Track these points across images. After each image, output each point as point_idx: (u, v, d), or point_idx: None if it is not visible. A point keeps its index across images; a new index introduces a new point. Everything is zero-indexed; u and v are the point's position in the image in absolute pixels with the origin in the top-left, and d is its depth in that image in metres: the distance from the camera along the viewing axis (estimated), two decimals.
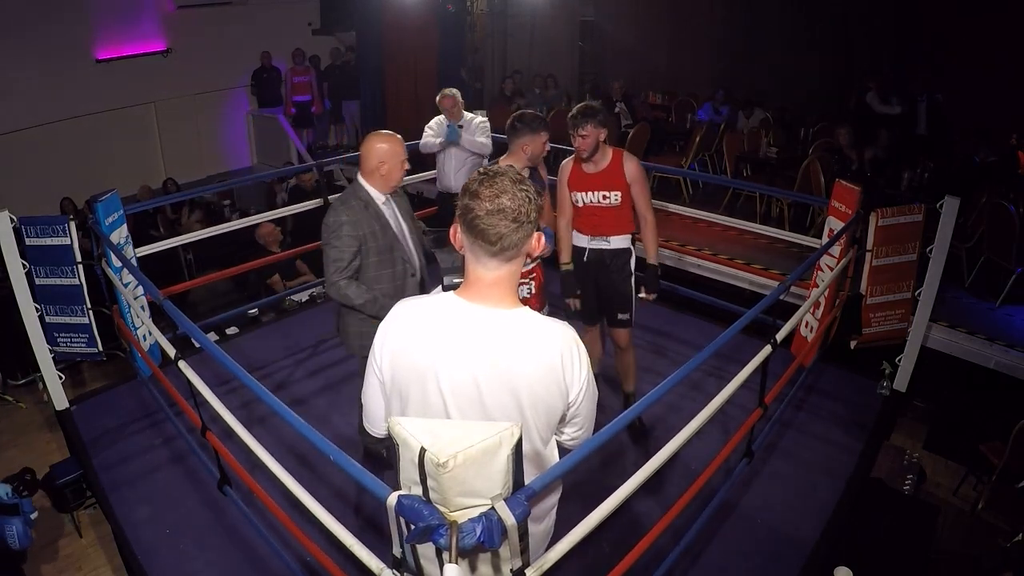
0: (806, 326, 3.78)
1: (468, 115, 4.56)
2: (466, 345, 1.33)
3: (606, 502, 1.70)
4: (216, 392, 2.34)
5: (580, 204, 3.05)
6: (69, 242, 3.30)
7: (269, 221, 4.96)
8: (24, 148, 7.51)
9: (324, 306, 4.70)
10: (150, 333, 3.29)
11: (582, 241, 3.12)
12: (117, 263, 3.36)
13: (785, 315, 2.94)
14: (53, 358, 3.40)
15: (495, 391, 1.33)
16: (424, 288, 2.64)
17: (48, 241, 3.30)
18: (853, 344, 3.60)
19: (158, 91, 8.55)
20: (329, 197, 4.46)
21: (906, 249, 3.49)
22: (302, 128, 9.30)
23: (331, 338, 4.12)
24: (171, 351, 2.59)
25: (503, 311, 1.35)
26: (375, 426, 1.55)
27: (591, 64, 10.76)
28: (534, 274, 3.16)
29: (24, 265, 3.22)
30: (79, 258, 3.35)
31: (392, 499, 1.25)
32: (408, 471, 1.22)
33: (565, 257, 3.19)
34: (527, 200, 1.31)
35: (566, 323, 1.40)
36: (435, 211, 4.76)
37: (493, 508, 1.18)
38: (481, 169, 1.36)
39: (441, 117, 4.59)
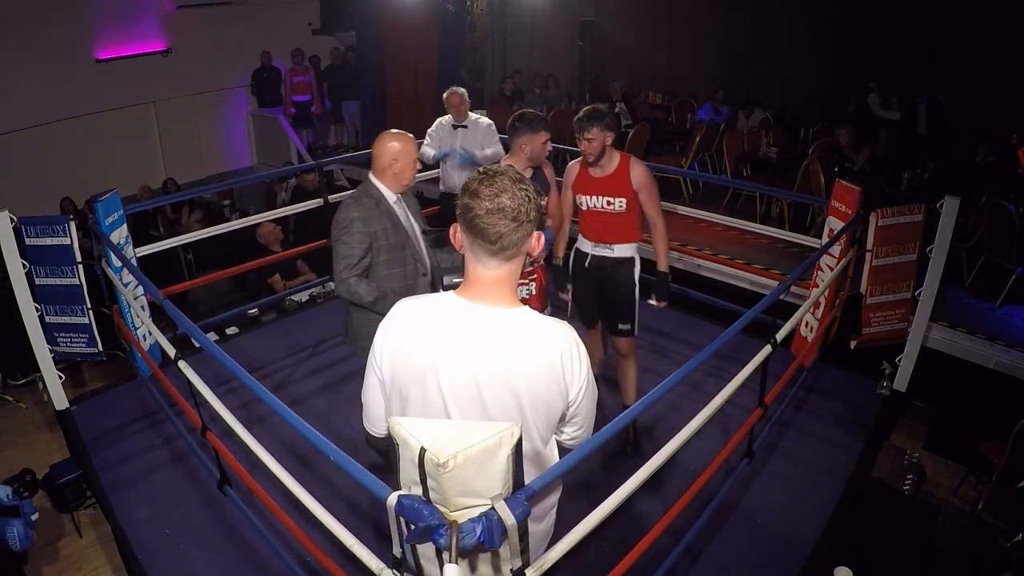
0: (806, 326, 3.78)
1: (473, 115, 4.47)
2: (466, 344, 1.33)
3: (606, 502, 1.70)
4: (216, 392, 2.34)
5: (584, 207, 3.01)
6: (69, 242, 3.30)
7: (269, 220, 4.95)
8: (24, 148, 7.51)
9: (324, 306, 4.70)
10: (150, 333, 3.29)
11: (585, 247, 3.07)
12: (117, 263, 3.36)
13: (785, 315, 2.94)
14: (53, 358, 3.40)
15: (495, 390, 1.33)
16: (435, 288, 2.62)
17: (48, 241, 3.30)
18: (853, 344, 3.60)
19: (158, 91, 8.55)
20: (329, 197, 4.47)
21: (906, 249, 3.49)
22: (302, 128, 9.30)
23: (331, 337, 4.13)
24: (171, 351, 2.59)
25: (503, 310, 1.35)
26: (375, 426, 1.55)
27: (591, 64, 10.76)
28: (534, 275, 3.16)
29: (24, 265, 3.22)
30: (79, 258, 3.35)
31: (392, 499, 1.25)
32: (408, 471, 1.22)
33: (559, 252, 3.20)
34: (527, 199, 1.31)
35: (566, 323, 1.40)
36: (437, 210, 4.73)
37: (493, 508, 1.18)
38: (481, 168, 1.36)
39: (445, 119, 4.49)
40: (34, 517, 3.22)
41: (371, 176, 2.50)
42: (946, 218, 3.22)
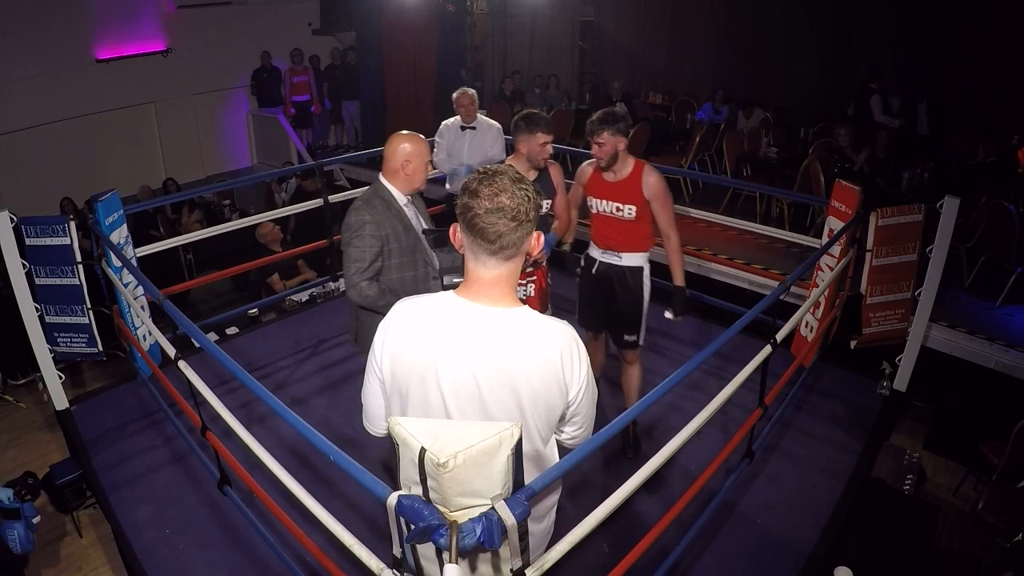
0: (806, 326, 3.78)
1: (483, 118, 4.38)
2: (466, 343, 1.33)
3: (606, 502, 1.70)
4: (216, 392, 2.34)
5: (594, 211, 2.94)
6: (69, 242, 3.30)
7: (269, 220, 4.95)
8: (24, 148, 7.52)
9: (324, 306, 4.70)
10: (150, 333, 3.29)
11: (594, 252, 3.01)
12: (117, 263, 3.36)
13: (785, 315, 2.93)
14: (53, 358, 3.40)
15: (495, 389, 1.33)
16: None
17: (48, 241, 3.30)
18: (853, 344, 3.60)
19: (158, 91, 8.55)
20: (330, 197, 4.46)
21: (906, 249, 3.49)
22: (302, 128, 9.30)
23: (331, 337, 4.13)
24: (171, 351, 2.59)
25: (503, 310, 1.35)
26: (375, 425, 1.55)
27: (591, 64, 10.77)
28: (534, 277, 3.16)
29: (24, 265, 3.22)
30: (79, 258, 3.35)
31: (392, 499, 1.25)
32: (408, 471, 1.22)
33: (568, 238, 3.17)
34: (526, 199, 1.31)
35: (566, 322, 1.40)
36: (441, 209, 4.71)
37: (493, 508, 1.18)
38: (481, 168, 1.36)
39: (452, 121, 4.40)
40: (35, 520, 3.21)
41: (381, 178, 2.43)
42: (946, 218, 3.22)
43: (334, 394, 3.62)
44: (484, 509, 1.18)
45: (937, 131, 7.09)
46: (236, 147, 9.66)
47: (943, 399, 4.44)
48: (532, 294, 3.14)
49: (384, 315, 1.81)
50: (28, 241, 3.30)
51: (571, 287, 3.22)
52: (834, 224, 3.60)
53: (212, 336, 4.08)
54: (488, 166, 1.37)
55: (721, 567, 2.58)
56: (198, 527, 2.75)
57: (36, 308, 3.29)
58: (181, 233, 6.06)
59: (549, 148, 3.00)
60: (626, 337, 2.98)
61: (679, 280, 2.92)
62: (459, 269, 1.42)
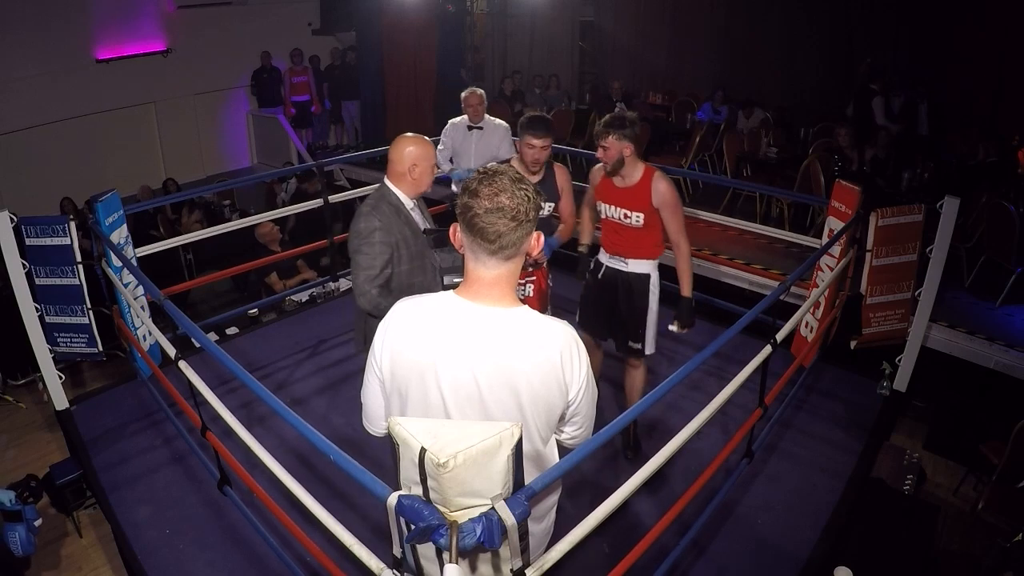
0: (806, 326, 3.78)
1: (490, 118, 4.32)
2: (466, 343, 1.33)
3: (606, 502, 1.70)
4: (216, 392, 2.34)
5: (603, 216, 2.90)
6: (69, 242, 3.30)
7: (268, 220, 4.95)
8: (24, 148, 7.52)
9: (324, 306, 4.70)
10: (150, 333, 3.29)
11: (602, 257, 2.98)
12: (117, 263, 3.36)
13: (785, 315, 2.94)
14: (53, 358, 3.40)
15: (495, 389, 1.33)
16: None
17: (48, 241, 3.30)
18: (853, 344, 3.60)
19: (158, 91, 8.55)
20: (330, 197, 4.46)
21: (906, 249, 3.48)
22: (302, 128, 9.30)
23: (331, 337, 4.13)
24: (171, 351, 2.59)
25: (503, 309, 1.35)
26: (374, 425, 1.55)
27: (591, 64, 10.77)
28: (533, 277, 3.15)
29: (24, 265, 3.22)
30: (79, 258, 3.35)
31: (392, 499, 1.25)
32: (408, 471, 1.22)
33: (584, 239, 3.12)
34: (526, 199, 1.31)
35: (566, 322, 1.40)
36: (443, 208, 4.68)
37: (493, 508, 1.18)
38: (480, 168, 1.37)
39: (459, 120, 4.35)
40: (37, 523, 3.21)
41: (387, 182, 2.37)
42: (946, 218, 3.22)
43: (334, 394, 3.62)
44: (484, 509, 1.18)
45: (937, 131, 7.08)
46: (236, 147, 9.66)
47: (943, 399, 4.44)
48: (531, 295, 3.14)
49: None
50: (28, 241, 3.30)
51: (572, 288, 3.21)
52: (834, 224, 3.60)
53: (212, 336, 4.08)
54: (488, 166, 1.37)
55: (721, 567, 2.58)
56: (198, 527, 2.75)
57: (36, 308, 3.29)
58: (181, 233, 6.06)
59: (539, 152, 2.93)
60: (630, 344, 2.95)
61: (686, 291, 2.86)
62: (459, 269, 1.43)
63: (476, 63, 9.80)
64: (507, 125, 4.37)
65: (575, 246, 3.23)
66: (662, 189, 2.71)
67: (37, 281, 3.34)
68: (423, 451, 1.14)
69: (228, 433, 2.31)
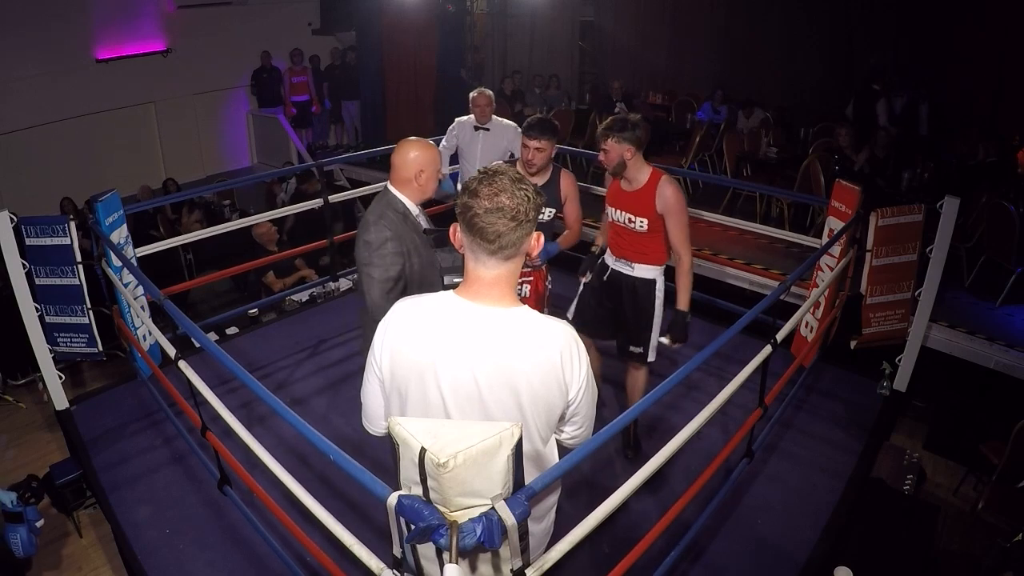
0: (806, 326, 3.78)
1: (498, 119, 4.29)
2: (466, 343, 1.33)
3: (606, 502, 1.70)
4: (216, 392, 2.34)
5: (609, 219, 2.88)
6: (69, 242, 3.30)
7: (267, 221, 4.95)
8: (24, 148, 7.52)
9: (324, 306, 4.70)
10: (150, 333, 3.29)
11: (608, 259, 2.94)
12: (117, 263, 3.36)
13: (785, 315, 2.93)
14: (53, 358, 3.40)
15: (495, 388, 1.33)
16: None
17: (48, 241, 3.30)
18: (853, 344, 3.60)
19: (158, 91, 8.55)
20: (329, 197, 4.46)
21: (906, 249, 3.48)
22: (302, 128, 9.30)
23: (331, 337, 4.13)
24: (171, 351, 2.59)
25: (502, 309, 1.35)
26: (374, 425, 1.55)
27: (591, 64, 10.76)
28: (531, 278, 3.15)
29: (24, 265, 3.22)
30: (79, 258, 3.35)
31: (392, 499, 1.25)
32: (408, 471, 1.22)
33: (599, 240, 3.07)
34: (526, 199, 1.31)
35: (566, 322, 1.40)
36: (441, 209, 4.67)
37: (493, 508, 1.18)
38: (481, 168, 1.37)
39: (466, 119, 4.32)
40: (39, 524, 3.21)
41: (392, 188, 2.27)
42: (946, 218, 3.22)
43: (334, 394, 3.62)
44: (484, 509, 1.18)
45: (937, 131, 7.08)
46: (236, 147, 9.66)
47: (943, 399, 4.44)
48: (527, 295, 3.13)
49: None
50: (28, 241, 3.30)
51: (573, 288, 3.21)
52: (834, 224, 3.60)
53: (212, 336, 4.08)
54: (488, 166, 1.37)
55: (721, 567, 2.58)
56: (198, 527, 2.75)
57: (36, 308, 3.29)
58: (181, 233, 6.06)
59: (534, 153, 2.91)
60: (632, 349, 2.92)
61: (683, 304, 2.77)
62: (459, 269, 1.43)
63: (476, 63, 9.81)
64: (516, 126, 4.30)
65: (585, 248, 3.20)
66: (667, 194, 2.65)
67: (37, 281, 3.34)
68: (423, 451, 1.14)
69: (228, 433, 2.30)
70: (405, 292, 2.25)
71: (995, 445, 3.59)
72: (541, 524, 1.57)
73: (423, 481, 1.18)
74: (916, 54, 7.49)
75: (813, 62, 8.24)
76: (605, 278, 2.95)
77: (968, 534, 3.63)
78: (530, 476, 1.36)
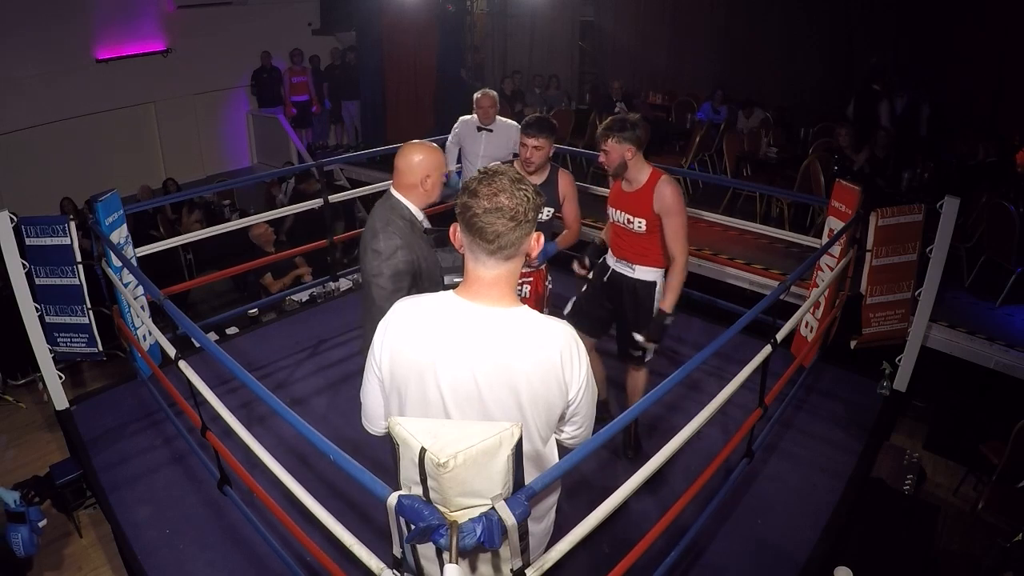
0: (806, 326, 3.78)
1: (501, 120, 4.27)
2: (465, 342, 1.33)
3: (606, 502, 1.70)
4: (216, 392, 2.34)
5: (611, 219, 2.87)
6: (69, 242, 3.30)
7: (263, 222, 4.94)
8: (24, 148, 7.52)
9: (324, 306, 4.70)
10: (150, 333, 3.29)
11: (610, 260, 2.93)
12: (117, 263, 3.36)
13: (785, 315, 2.93)
14: (53, 358, 3.39)
15: (494, 388, 1.33)
16: None
17: (48, 241, 3.30)
18: (853, 344, 3.60)
19: (158, 91, 8.56)
20: (329, 197, 4.45)
21: (906, 249, 3.48)
22: (302, 128, 9.30)
23: (331, 337, 4.13)
24: (171, 351, 2.59)
25: (502, 309, 1.35)
26: (373, 424, 1.55)
27: (591, 64, 10.76)
28: (530, 279, 3.14)
29: (24, 265, 3.21)
30: (79, 258, 3.35)
31: (392, 499, 1.25)
32: (408, 471, 1.22)
33: (604, 236, 3.04)
34: (525, 199, 1.31)
35: (566, 322, 1.40)
36: (443, 208, 4.66)
37: (493, 508, 1.18)
38: (481, 168, 1.37)
39: (470, 118, 4.30)
40: (41, 524, 3.20)
41: (396, 193, 2.18)
42: (946, 218, 3.22)
43: (334, 394, 3.62)
44: (484, 509, 1.18)
45: (937, 131, 7.08)
46: (236, 147, 9.67)
47: (943, 399, 4.44)
48: (527, 296, 3.13)
49: None
50: (28, 241, 3.30)
51: (573, 288, 3.21)
52: (834, 224, 3.60)
53: (212, 336, 4.08)
54: (488, 166, 1.37)
55: (721, 567, 2.58)
56: (198, 527, 2.75)
57: (36, 308, 3.29)
58: (181, 233, 6.05)
59: (532, 152, 2.91)
60: (631, 351, 2.92)
61: (667, 305, 2.72)
62: (460, 269, 1.43)
63: (476, 63, 9.81)
64: (519, 125, 4.30)
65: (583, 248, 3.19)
66: (666, 194, 2.63)
67: (37, 281, 3.34)
68: (423, 451, 1.14)
69: (228, 433, 2.31)
70: None
71: (995, 445, 3.59)
72: (541, 524, 1.57)
73: (423, 481, 1.18)
74: (916, 54, 7.49)
75: (813, 62, 8.23)
76: (606, 279, 2.94)
77: (968, 534, 3.63)
78: (530, 476, 1.36)
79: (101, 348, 3.52)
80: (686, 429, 2.04)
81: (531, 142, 2.91)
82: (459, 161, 4.52)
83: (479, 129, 4.28)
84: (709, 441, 3.07)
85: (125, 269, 3.35)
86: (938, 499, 3.79)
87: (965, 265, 4.89)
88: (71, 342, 3.47)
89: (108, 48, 8.01)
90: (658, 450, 1.96)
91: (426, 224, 2.39)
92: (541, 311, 3.13)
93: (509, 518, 1.18)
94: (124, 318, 3.54)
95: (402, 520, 1.26)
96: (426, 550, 1.35)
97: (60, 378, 3.40)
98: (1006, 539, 3.03)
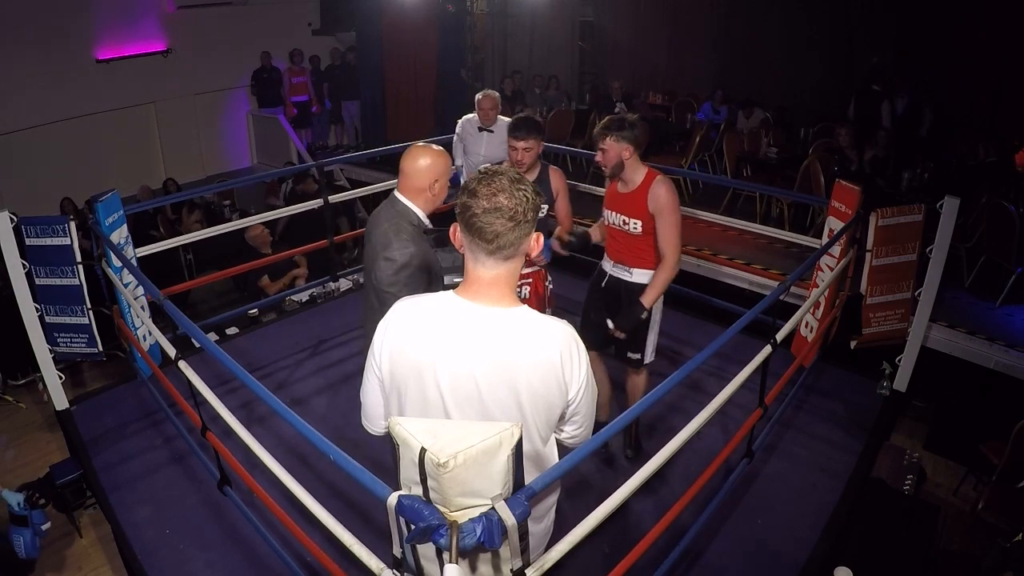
0: (806, 326, 3.78)
1: (503, 119, 4.24)
2: (465, 342, 1.33)
3: (606, 502, 1.70)
4: (216, 392, 2.34)
5: (606, 222, 2.84)
6: (69, 242, 3.30)
7: (258, 223, 4.93)
8: (24, 148, 7.52)
9: (324, 306, 4.70)
10: (150, 333, 3.29)
11: (606, 265, 2.91)
12: (117, 263, 3.36)
13: (785, 315, 2.93)
14: (53, 358, 3.40)
15: (494, 388, 1.33)
16: None
17: (48, 241, 3.30)
18: (853, 344, 3.60)
19: (158, 91, 8.56)
20: (329, 197, 4.45)
21: (906, 249, 3.48)
22: (301, 128, 9.30)
23: (331, 337, 4.13)
24: (171, 351, 2.59)
25: (502, 309, 1.35)
26: (373, 424, 1.56)
27: (591, 64, 10.76)
28: (529, 280, 3.14)
29: (24, 265, 3.22)
30: (79, 258, 3.35)
31: (392, 499, 1.25)
32: (408, 471, 1.22)
33: (595, 236, 3.01)
34: (525, 199, 1.31)
35: (566, 322, 1.40)
36: (443, 208, 4.67)
37: (493, 508, 1.18)
38: (480, 168, 1.37)
39: (472, 117, 4.31)
40: (45, 527, 3.21)
41: (402, 198, 2.12)
42: (946, 218, 3.22)
43: (334, 394, 3.62)
44: (484, 509, 1.18)
45: (937, 131, 7.08)
46: (236, 147, 9.67)
47: (943, 399, 4.44)
48: (527, 297, 3.13)
49: None
50: (28, 241, 3.30)
51: (573, 288, 3.21)
52: (834, 224, 3.60)
53: (212, 336, 4.08)
54: (488, 166, 1.38)
55: (721, 567, 2.58)
56: (198, 527, 2.75)
57: (36, 308, 3.29)
58: (181, 233, 6.05)
59: (522, 153, 2.91)
60: (630, 355, 2.89)
61: (648, 300, 2.67)
62: (460, 269, 1.42)
63: (476, 63, 9.80)
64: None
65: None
66: (660, 193, 2.61)
67: (37, 281, 3.34)
68: (423, 451, 1.14)
69: (228, 433, 2.31)
70: None
71: (995, 445, 3.59)
72: (541, 524, 1.57)
73: (423, 481, 1.18)
74: (916, 54, 7.48)
75: (813, 62, 8.23)
76: (603, 284, 2.92)
77: (968, 534, 3.63)
78: (530, 476, 1.36)
79: (101, 348, 3.52)
80: (686, 429, 2.04)
81: (520, 144, 2.90)
82: (455, 162, 4.53)
83: (480, 129, 4.29)
84: (709, 441, 3.07)
85: (125, 269, 3.35)
86: (938, 499, 3.79)
87: (965, 265, 4.89)
88: (71, 342, 3.48)
89: (108, 48, 8.02)
90: (658, 450, 1.96)
91: (427, 224, 2.40)
92: (543, 311, 3.15)
93: (509, 518, 1.18)
94: (124, 318, 3.54)
95: (402, 520, 1.26)
96: (426, 550, 1.35)
97: (60, 378, 3.40)
98: (1006, 539, 3.03)
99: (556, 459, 1.51)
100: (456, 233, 1.39)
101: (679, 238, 2.66)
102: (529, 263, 2.98)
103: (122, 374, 3.98)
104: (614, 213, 2.78)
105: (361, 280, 4.50)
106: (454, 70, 8.51)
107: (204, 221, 6.79)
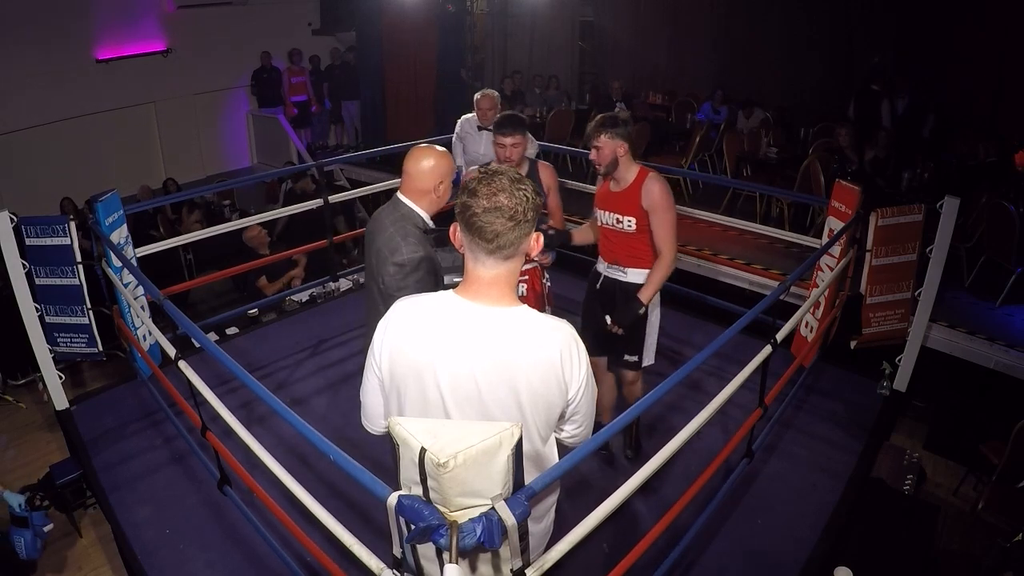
0: (806, 326, 3.78)
1: None
2: (465, 342, 1.33)
3: (606, 502, 1.70)
4: (216, 392, 2.34)
5: (600, 222, 2.81)
6: (69, 242, 3.30)
7: (256, 224, 4.92)
8: (24, 148, 7.53)
9: (324, 306, 4.70)
10: (150, 333, 3.29)
11: (600, 266, 2.88)
12: (117, 263, 3.36)
13: (785, 315, 2.93)
14: (53, 358, 3.40)
15: (494, 387, 1.33)
16: None
17: (48, 241, 3.30)
18: (853, 344, 3.60)
19: (158, 91, 8.56)
20: (329, 197, 4.45)
21: (906, 249, 3.48)
22: (301, 128, 9.30)
23: (331, 337, 4.13)
24: (171, 351, 2.59)
25: (502, 309, 1.35)
26: (373, 423, 1.56)
27: (591, 64, 10.76)
28: (526, 277, 3.14)
29: (24, 265, 3.22)
30: (79, 258, 3.35)
31: (392, 499, 1.25)
32: (408, 471, 1.22)
33: (591, 237, 2.99)
34: (525, 199, 1.31)
35: (566, 321, 1.40)
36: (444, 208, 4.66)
37: (493, 508, 1.18)
38: (480, 168, 1.37)
39: (472, 116, 4.31)
40: (46, 528, 3.20)
41: (406, 200, 2.09)
42: (946, 218, 3.22)
43: (334, 394, 3.62)
44: (484, 509, 1.18)
45: (938, 131, 7.08)
46: (236, 147, 9.67)
47: (943, 399, 4.44)
48: (525, 294, 3.13)
49: None
50: (28, 241, 3.30)
51: (572, 288, 3.21)
52: (834, 224, 3.60)
53: (212, 336, 4.08)
54: (488, 166, 1.38)
55: (721, 567, 2.58)
56: (198, 527, 2.75)
57: (36, 308, 3.29)
58: (181, 233, 6.05)
59: (510, 150, 2.89)
60: (627, 357, 2.86)
61: (645, 296, 2.65)
62: (460, 268, 1.43)
63: (476, 63, 9.80)
64: None
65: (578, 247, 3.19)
66: (654, 190, 2.60)
67: (37, 281, 3.34)
68: (423, 451, 1.14)
69: (228, 433, 2.30)
70: None
71: (995, 445, 3.59)
72: (541, 524, 1.57)
73: (423, 481, 1.18)
74: (916, 54, 7.48)
75: (813, 62, 8.23)
76: (598, 286, 2.90)
77: (968, 534, 3.63)
78: (530, 476, 1.36)
79: (101, 348, 3.52)
80: (686, 429, 2.04)
81: (508, 141, 2.88)
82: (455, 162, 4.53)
83: (480, 129, 4.29)
84: (709, 441, 3.07)
85: (125, 269, 3.35)
86: (938, 499, 3.79)
87: (965, 265, 4.89)
88: (71, 342, 3.47)
89: (108, 48, 8.02)
90: (658, 450, 1.96)
91: (428, 224, 2.39)
92: (542, 310, 3.14)
93: (509, 518, 1.18)
94: (124, 318, 3.54)
95: (402, 520, 1.26)
96: (426, 550, 1.35)
97: (60, 378, 3.40)
98: (1006, 539, 3.03)
99: (556, 459, 1.51)
100: (456, 233, 1.39)
101: (674, 234, 2.65)
102: (527, 260, 2.97)
103: (122, 374, 3.98)
104: (607, 212, 2.76)
105: (361, 280, 4.51)
106: (454, 70, 8.51)
107: (204, 221, 6.79)
